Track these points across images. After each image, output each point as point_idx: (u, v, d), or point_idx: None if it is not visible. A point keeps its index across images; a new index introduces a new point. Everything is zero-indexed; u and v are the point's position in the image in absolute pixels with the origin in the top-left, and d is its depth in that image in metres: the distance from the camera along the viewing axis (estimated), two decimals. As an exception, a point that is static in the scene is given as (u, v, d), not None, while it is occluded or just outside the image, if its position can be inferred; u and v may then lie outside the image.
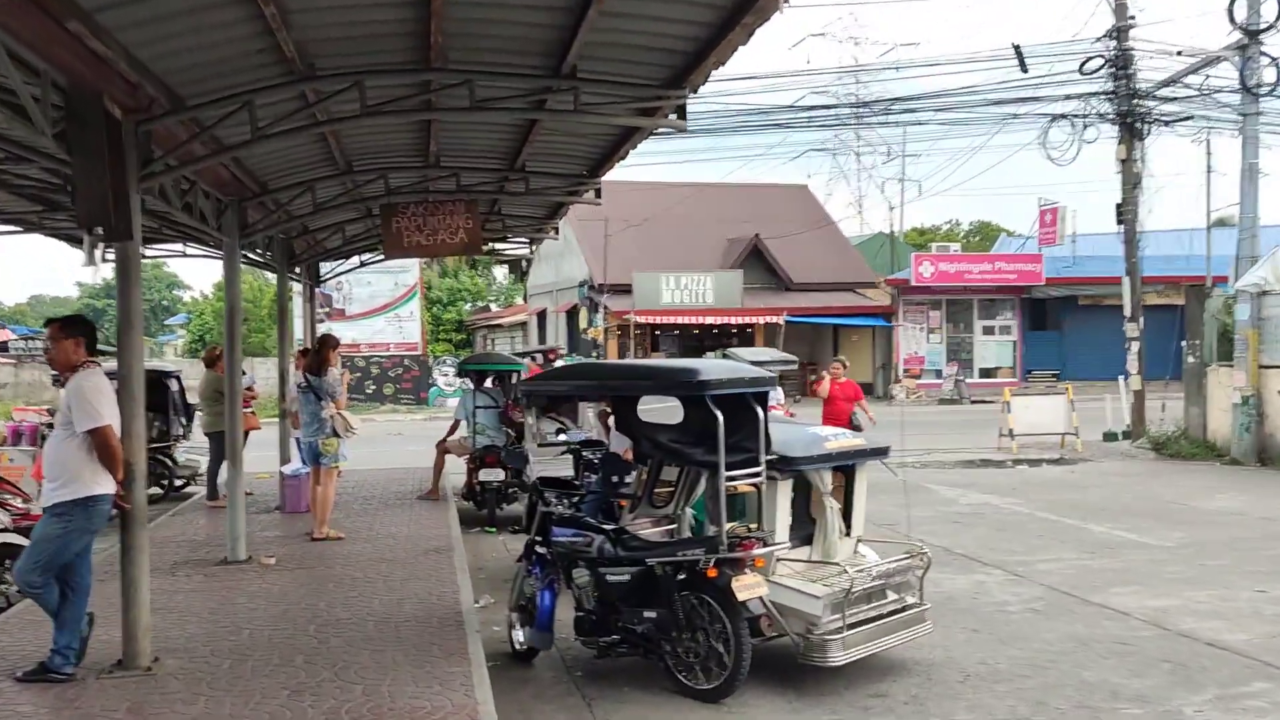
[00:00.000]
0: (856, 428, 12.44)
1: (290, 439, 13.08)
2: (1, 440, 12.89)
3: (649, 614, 6.45)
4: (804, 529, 7.22)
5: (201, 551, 10.04)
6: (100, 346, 7.93)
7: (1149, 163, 22.58)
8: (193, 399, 14.72)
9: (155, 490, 13.25)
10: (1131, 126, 21.62)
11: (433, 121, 8.53)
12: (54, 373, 16.03)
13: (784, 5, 5.35)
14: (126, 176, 5.92)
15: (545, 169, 10.65)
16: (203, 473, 14.13)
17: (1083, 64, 21.64)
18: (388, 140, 9.54)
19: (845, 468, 7.36)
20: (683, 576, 6.42)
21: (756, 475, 6.50)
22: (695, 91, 7.06)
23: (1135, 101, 21.51)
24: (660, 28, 6.28)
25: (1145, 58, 22.76)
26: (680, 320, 35.53)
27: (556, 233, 15.21)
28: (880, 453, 7.45)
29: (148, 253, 14.08)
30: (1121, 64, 21.44)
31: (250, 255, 12.74)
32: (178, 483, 14.75)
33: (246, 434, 11.64)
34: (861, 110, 28.38)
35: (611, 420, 10.80)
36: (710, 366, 6.76)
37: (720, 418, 6.17)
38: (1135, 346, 21.67)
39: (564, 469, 11.40)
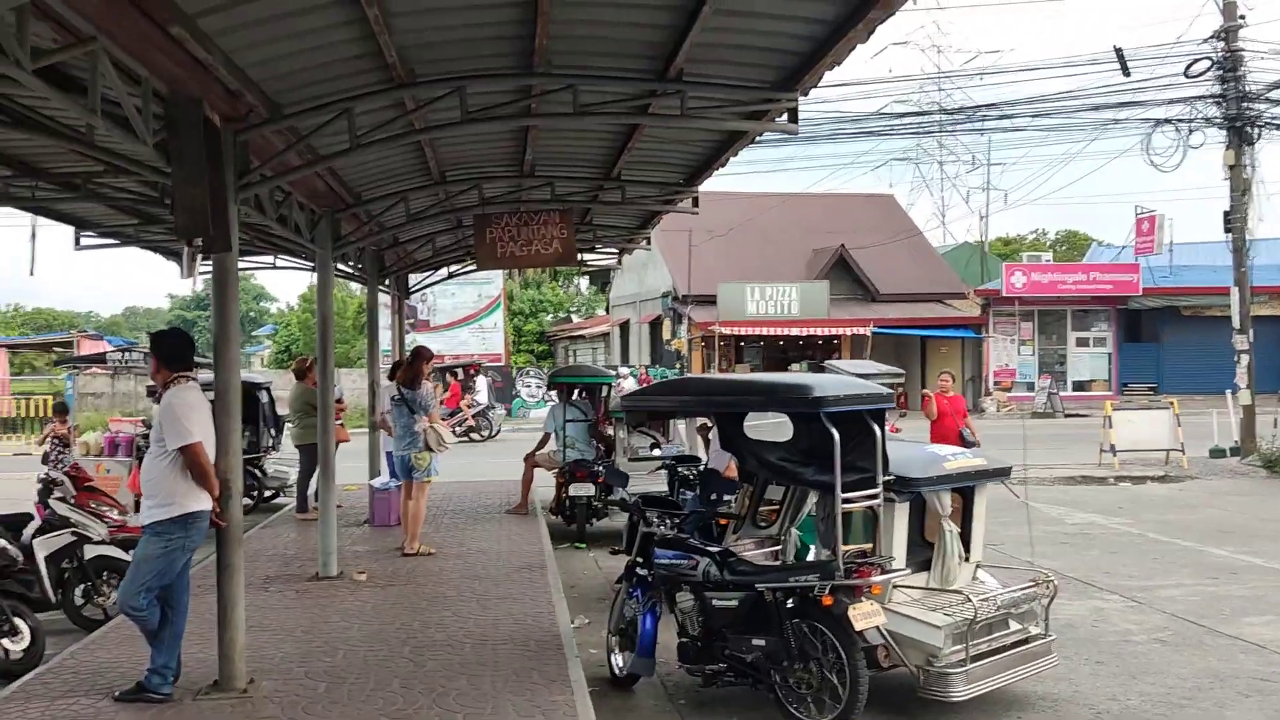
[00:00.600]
0: (968, 444, 11.92)
1: (380, 451, 13.02)
2: (99, 451, 13.05)
3: (758, 642, 6.12)
4: (920, 554, 6.83)
5: (293, 566, 9.96)
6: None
7: (1259, 168, 21.64)
8: (282, 410, 14.78)
9: (245, 501, 13.25)
10: (1240, 131, 20.70)
11: (530, 129, 8.34)
12: (150, 384, 16.33)
13: (910, -1, 5.02)
14: (225, 187, 5.81)
15: (642, 177, 10.42)
16: (292, 484, 14.16)
17: (1188, 66, 20.82)
18: (482, 149, 9.39)
19: (964, 489, 6.96)
20: (794, 603, 6.08)
21: (874, 497, 6.14)
22: (806, 94, 6.75)
23: (1245, 105, 20.61)
24: (774, 26, 5.99)
25: (1255, 59, 21.85)
26: (765, 331, 35.11)
27: (648, 243, 14.96)
28: (1002, 473, 7.03)
29: (240, 264, 14.17)
30: (1230, 66, 20.57)
31: (341, 267, 12.72)
32: (267, 494, 14.82)
33: (335, 446, 11.59)
34: (949, 117, 27.73)
35: (711, 435, 10.51)
36: (825, 382, 6.41)
37: (837, 436, 5.83)
38: (1245, 359, 20.71)
39: (655, 484, 11.18)
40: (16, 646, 7.10)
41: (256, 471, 14.33)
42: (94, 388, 29.47)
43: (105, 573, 8.40)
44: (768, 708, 6.17)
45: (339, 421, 13.08)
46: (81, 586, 8.31)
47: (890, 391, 6.73)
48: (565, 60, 6.64)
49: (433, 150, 8.95)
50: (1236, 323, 20.93)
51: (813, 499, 7.11)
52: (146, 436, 13.63)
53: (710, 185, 10.50)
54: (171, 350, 6.20)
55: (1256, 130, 20.84)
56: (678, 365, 34.44)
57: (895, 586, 6.42)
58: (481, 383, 28.17)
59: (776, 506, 7.48)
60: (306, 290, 50.04)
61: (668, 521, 6.97)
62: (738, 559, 6.52)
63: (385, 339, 20.35)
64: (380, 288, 14.43)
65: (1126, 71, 21.36)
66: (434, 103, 6.78)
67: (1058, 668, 6.87)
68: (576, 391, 13.66)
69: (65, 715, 5.79)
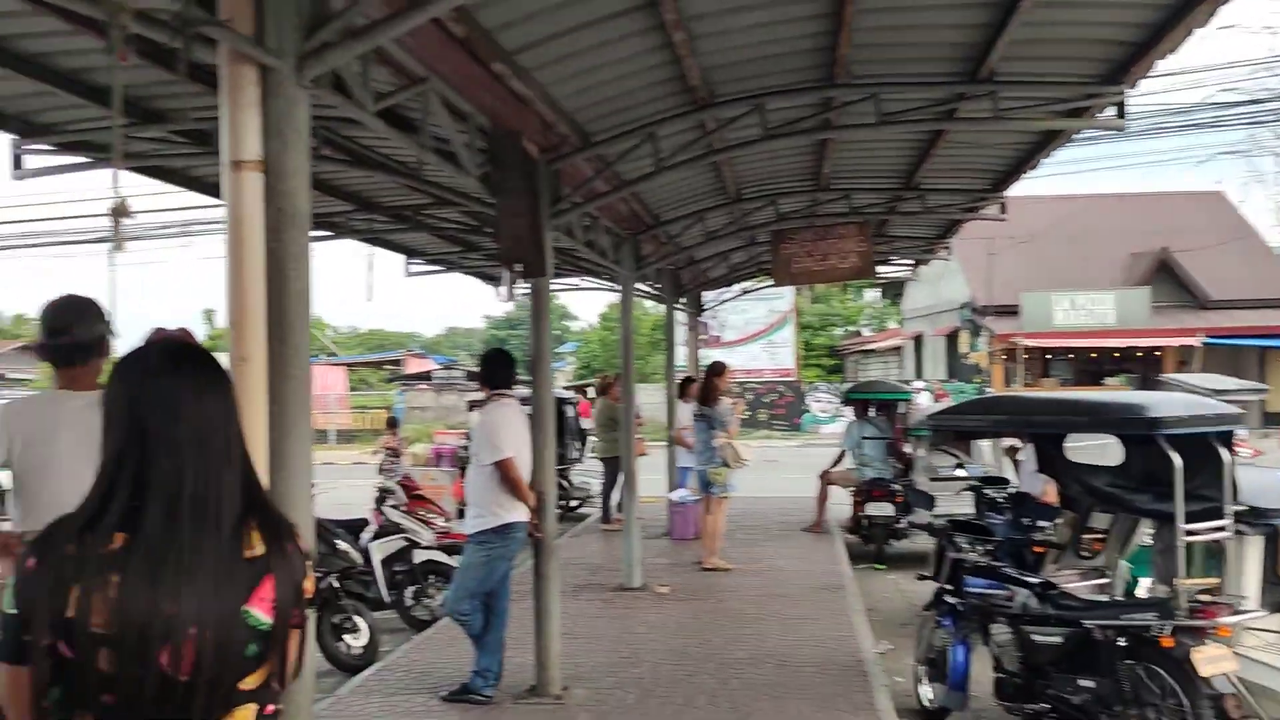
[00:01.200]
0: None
1: (677, 465, 13.25)
2: (426, 461, 14.09)
3: (1086, 683, 5.64)
4: (1275, 593, 6.08)
5: (600, 575, 10.29)
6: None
7: None
8: (587, 424, 15.38)
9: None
10: None
11: (828, 141, 8.22)
12: (470, 399, 17.53)
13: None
14: (541, 214, 6.09)
15: (944, 185, 10.02)
16: (595, 495, 14.68)
17: None
18: (778, 165, 9.35)
19: (1330, 523, 6.13)
20: (1128, 643, 5.56)
21: (1221, 529, 5.53)
22: (1134, 86, 6.22)
23: None
24: (1102, 15, 5.55)
25: None
26: (1075, 344, 32.89)
27: (949, 252, 14.39)
28: (1381, 507, 6.13)
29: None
30: None
31: (641, 286, 13.08)
32: (573, 504, 15.45)
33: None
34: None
35: (1020, 456, 9.91)
36: (1162, 400, 5.86)
37: (1178, 461, 5.29)
38: None
39: (958, 506, 10.65)
40: (357, 643, 7.73)
41: (563, 483, 14.98)
42: (421, 402, 32.05)
43: (432, 576, 8.98)
44: (1097, 753, 5.69)
45: (637, 435, 13.43)
46: (412, 588, 8.92)
47: (1240, 411, 6.05)
48: (867, 69, 6.47)
49: (729, 169, 9.01)
50: None
51: (1145, 529, 6.51)
52: (467, 448, 14.64)
53: (1012, 189, 9.93)
54: (493, 369, 6.58)
55: None
56: (978, 381, 32.92)
57: (1247, 629, 5.74)
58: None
59: (1101, 536, 6.91)
60: (606, 309, 52.01)
61: (979, 548, 6.60)
62: (1061, 592, 6.06)
63: (679, 355, 20.76)
64: (675, 305, 14.72)
65: None
66: (733, 122, 6.81)
67: None
68: (873, 408, 13.32)
69: (399, 711, 6.23)
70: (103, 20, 2.68)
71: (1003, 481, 10.44)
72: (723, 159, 8.06)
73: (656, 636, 7.88)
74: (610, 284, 14.60)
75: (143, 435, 1.86)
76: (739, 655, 7.31)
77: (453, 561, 8.52)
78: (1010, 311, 32.75)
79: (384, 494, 9.33)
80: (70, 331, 3.59)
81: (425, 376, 17.27)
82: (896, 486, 11.90)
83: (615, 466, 12.68)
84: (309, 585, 1.98)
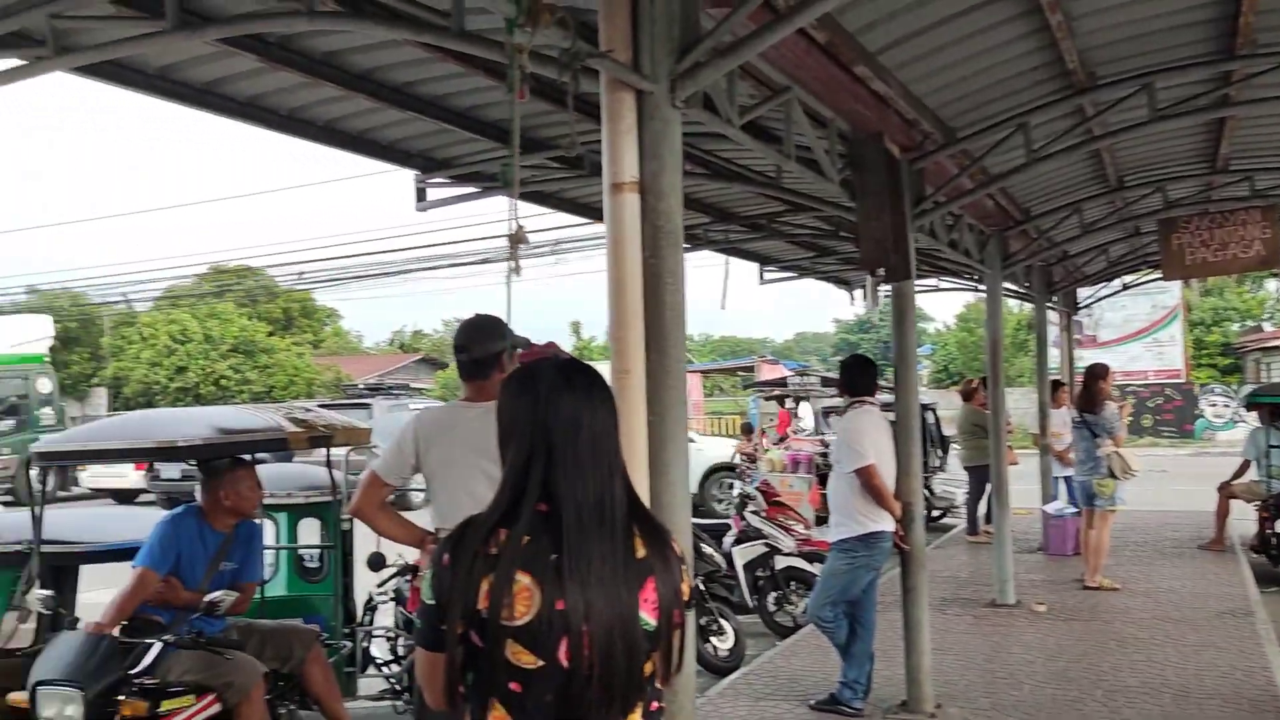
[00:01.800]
0: None
1: (1050, 476, 12.44)
2: (782, 468, 14.19)
3: None
4: None
5: (968, 590, 9.86)
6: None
7: None
8: (948, 431, 14.82)
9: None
10: None
11: (1226, 120, 7.39)
12: (823, 406, 17.45)
13: None
14: (904, 216, 5.93)
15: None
16: (959, 505, 14.11)
17: None
18: (1166, 147, 8.52)
19: None
20: None
21: None
22: None
23: None
24: None
25: None
26: None
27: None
28: None
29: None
30: None
31: (1008, 285, 12.42)
32: (934, 514, 14.93)
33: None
34: None
35: None
36: None
37: None
38: None
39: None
40: (723, 645, 7.89)
41: (926, 492, 14.53)
42: (773, 409, 32.35)
43: (793, 582, 9.00)
44: None
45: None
46: (773, 594, 8.99)
47: None
48: (1274, 37, 5.74)
49: (1110, 155, 8.33)
50: None
51: None
52: (824, 455, 14.60)
53: None
54: (855, 375, 6.49)
55: None
56: None
57: None
58: (806, 409, 22.62)
59: None
60: (963, 309, 50.03)
61: None
62: None
63: (1051, 357, 19.50)
64: (1048, 304, 13.84)
65: None
66: (1116, 104, 6.28)
67: None
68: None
69: (768, 716, 6.29)
70: (503, 62, 2.89)
71: None
72: (1103, 145, 7.47)
73: (1035, 657, 7.41)
74: (971, 284, 14.00)
75: (548, 447, 1.98)
76: (1130, 683, 6.71)
77: (813, 569, 8.50)
78: None
79: (744, 499, 9.47)
80: (468, 350, 3.93)
81: (780, 383, 17.37)
82: (1314, 502, 10.48)
83: (981, 476, 12.11)
84: (686, 587, 2.05)
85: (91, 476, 19.82)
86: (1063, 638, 7.97)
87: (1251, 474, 11.75)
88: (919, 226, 6.72)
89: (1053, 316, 15.83)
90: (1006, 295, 13.09)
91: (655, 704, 2.05)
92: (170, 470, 17.77)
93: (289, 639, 5.09)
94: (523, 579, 1.90)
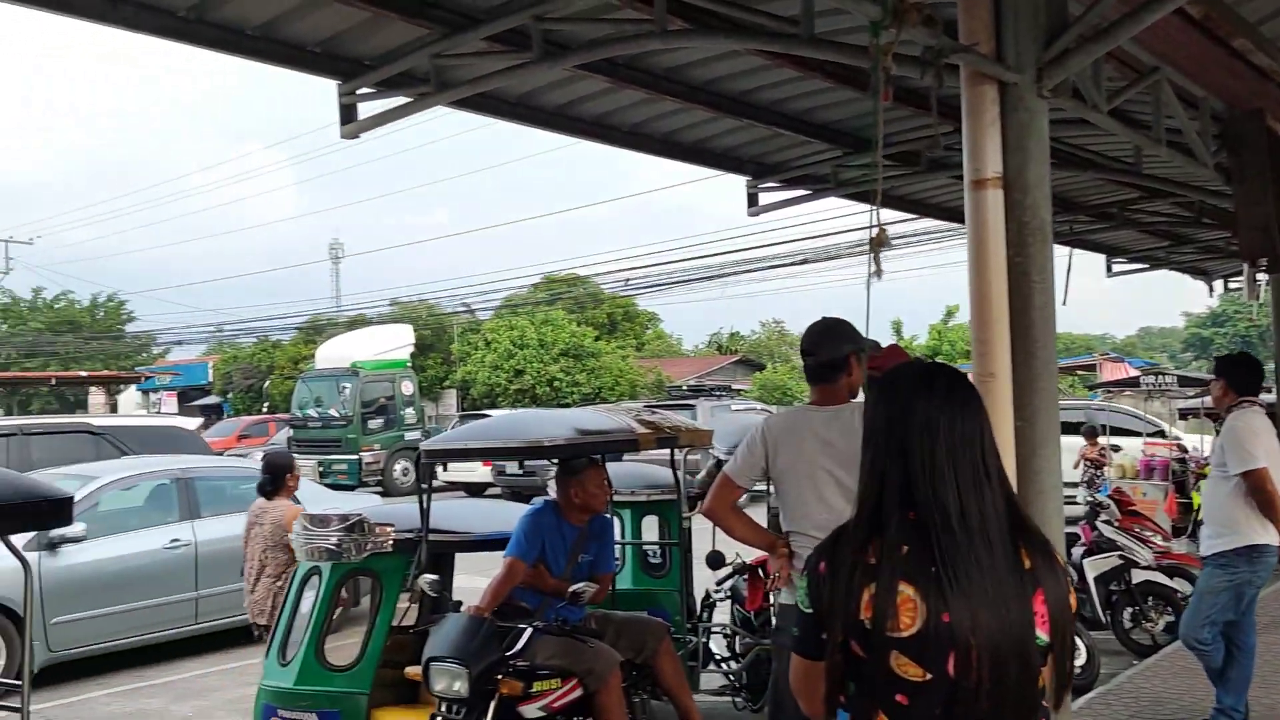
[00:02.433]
0: None
1: None
2: (1134, 474, 13.16)
3: None
4: None
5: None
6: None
7: None
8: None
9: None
10: None
11: None
12: (1181, 408, 15.98)
13: None
14: (1289, 199, 5.34)
15: None
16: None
17: None
18: None
19: None
20: None
21: None
22: None
23: None
24: None
25: None
26: None
27: None
28: None
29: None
30: None
31: None
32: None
33: None
34: None
35: None
36: None
37: None
38: None
39: None
40: (1076, 661, 7.44)
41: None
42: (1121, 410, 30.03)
43: (1151, 598, 8.35)
44: None
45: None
46: (1128, 610, 8.38)
47: None
48: None
49: None
50: None
51: None
52: (1181, 461, 13.41)
53: None
54: (1240, 374, 5.92)
55: None
56: None
57: None
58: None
59: None
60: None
61: None
62: None
63: None
64: None
65: None
66: None
67: None
68: None
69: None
70: (847, 64, 2.89)
71: None
72: None
73: None
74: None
75: (903, 453, 1.95)
76: None
77: (1174, 584, 7.85)
78: None
79: (1096, 508, 8.88)
80: (814, 354, 3.93)
81: (1131, 383, 16.02)
82: None
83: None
84: (1074, 600, 1.97)
85: (447, 471, 21.71)
86: None
87: None
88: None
89: None
90: None
91: None
92: (513, 467, 19.12)
93: (642, 631, 5.33)
94: (905, 589, 1.88)
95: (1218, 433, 6.11)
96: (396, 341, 25.19)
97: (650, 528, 7.25)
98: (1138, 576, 8.36)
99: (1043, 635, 1.89)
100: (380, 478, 22.59)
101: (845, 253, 23.57)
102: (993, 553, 1.89)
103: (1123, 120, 4.70)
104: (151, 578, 8.50)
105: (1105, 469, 13.72)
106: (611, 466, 6.33)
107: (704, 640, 6.76)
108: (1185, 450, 13.92)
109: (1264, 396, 6.32)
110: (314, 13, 4.44)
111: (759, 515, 4.29)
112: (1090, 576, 8.35)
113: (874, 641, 1.89)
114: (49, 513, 3.13)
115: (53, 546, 7.88)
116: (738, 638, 6.77)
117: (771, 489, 4.41)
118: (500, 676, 4.50)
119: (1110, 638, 8.31)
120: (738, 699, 6.47)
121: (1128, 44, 4.24)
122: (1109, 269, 11.59)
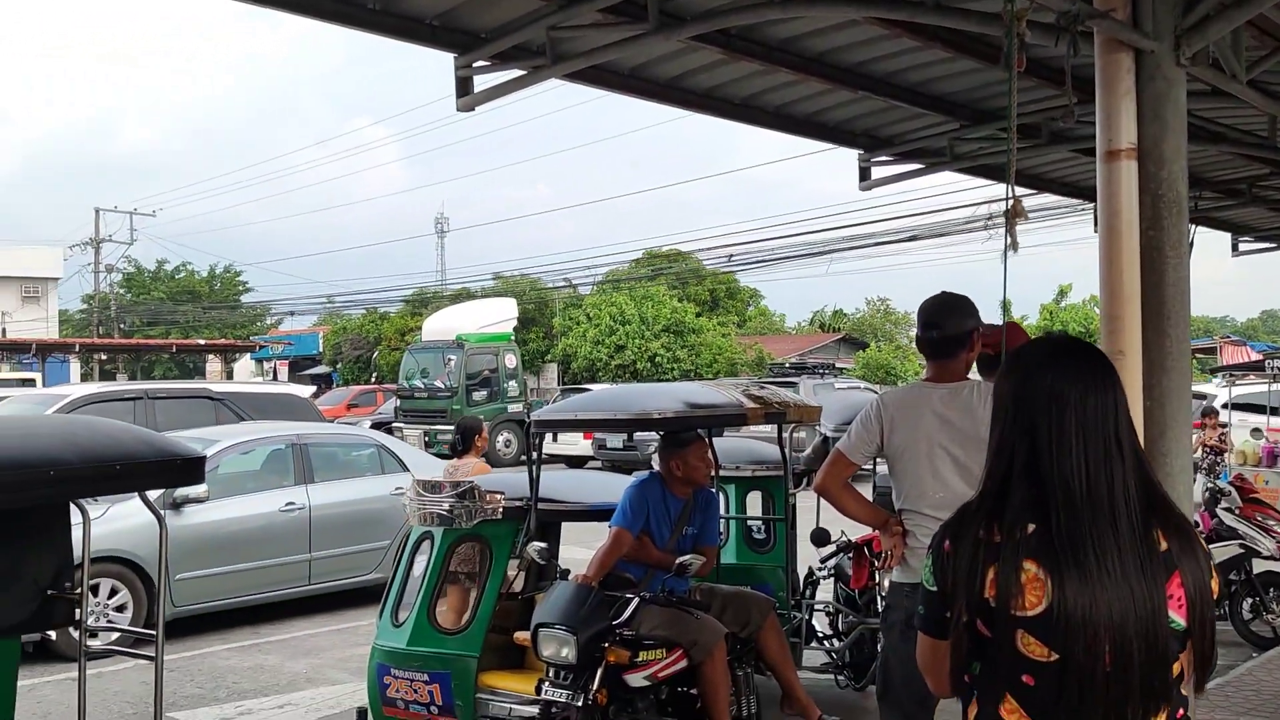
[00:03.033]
0: None
1: None
2: (1256, 461, 12.65)
3: None
4: None
5: None
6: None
7: None
8: None
9: None
10: None
11: None
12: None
13: None
14: None
15: None
16: None
17: None
18: None
19: None
20: None
21: None
22: None
23: None
24: None
25: None
26: None
27: None
28: None
29: None
30: None
31: None
32: None
33: None
34: None
35: None
36: None
37: None
38: None
39: None
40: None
41: None
42: (1246, 395, 28.73)
43: (1272, 589, 8.06)
44: None
45: None
46: (1248, 600, 8.10)
47: None
48: None
49: None
50: None
51: None
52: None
53: None
54: None
55: None
56: None
57: None
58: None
59: None
60: None
61: None
62: None
63: None
64: None
65: None
66: None
67: None
68: None
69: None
70: (969, 31, 2.81)
71: None
72: None
73: None
74: None
75: (1030, 429, 1.90)
76: None
77: (1298, 575, 7.55)
78: None
79: (1216, 495, 8.57)
80: (939, 327, 3.84)
81: (1255, 366, 15.24)
82: None
83: None
84: (1216, 585, 1.89)
85: (549, 443, 21.98)
86: None
87: None
88: None
89: None
90: None
91: (1181, 711, 1.91)
92: (614, 440, 19.26)
93: (747, 605, 5.33)
94: (1030, 568, 1.83)
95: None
96: (500, 315, 25.54)
97: (755, 503, 7.24)
98: (1259, 566, 8.08)
99: (1179, 619, 1.83)
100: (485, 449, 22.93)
101: (956, 229, 23.08)
102: (1118, 532, 1.83)
103: (1261, 91, 4.48)
104: (268, 539, 8.80)
105: (1225, 454, 13.21)
106: (718, 442, 6.34)
107: (807, 617, 6.73)
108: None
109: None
110: (433, -14, 4.50)
111: (866, 492, 4.23)
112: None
113: (999, 621, 1.86)
114: (182, 471, 3.25)
115: (177, 506, 8.21)
116: (841, 616, 6.72)
117: (881, 466, 4.34)
118: (607, 644, 4.55)
119: (1229, 629, 8.05)
120: (840, 677, 6.44)
121: (1272, 11, 4.04)
122: (1234, 248, 11.11)
